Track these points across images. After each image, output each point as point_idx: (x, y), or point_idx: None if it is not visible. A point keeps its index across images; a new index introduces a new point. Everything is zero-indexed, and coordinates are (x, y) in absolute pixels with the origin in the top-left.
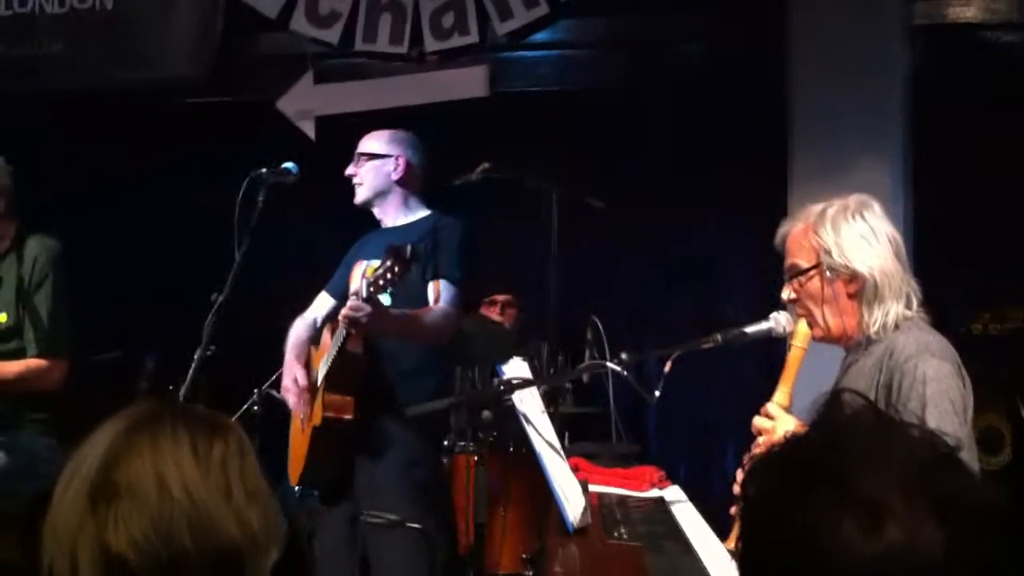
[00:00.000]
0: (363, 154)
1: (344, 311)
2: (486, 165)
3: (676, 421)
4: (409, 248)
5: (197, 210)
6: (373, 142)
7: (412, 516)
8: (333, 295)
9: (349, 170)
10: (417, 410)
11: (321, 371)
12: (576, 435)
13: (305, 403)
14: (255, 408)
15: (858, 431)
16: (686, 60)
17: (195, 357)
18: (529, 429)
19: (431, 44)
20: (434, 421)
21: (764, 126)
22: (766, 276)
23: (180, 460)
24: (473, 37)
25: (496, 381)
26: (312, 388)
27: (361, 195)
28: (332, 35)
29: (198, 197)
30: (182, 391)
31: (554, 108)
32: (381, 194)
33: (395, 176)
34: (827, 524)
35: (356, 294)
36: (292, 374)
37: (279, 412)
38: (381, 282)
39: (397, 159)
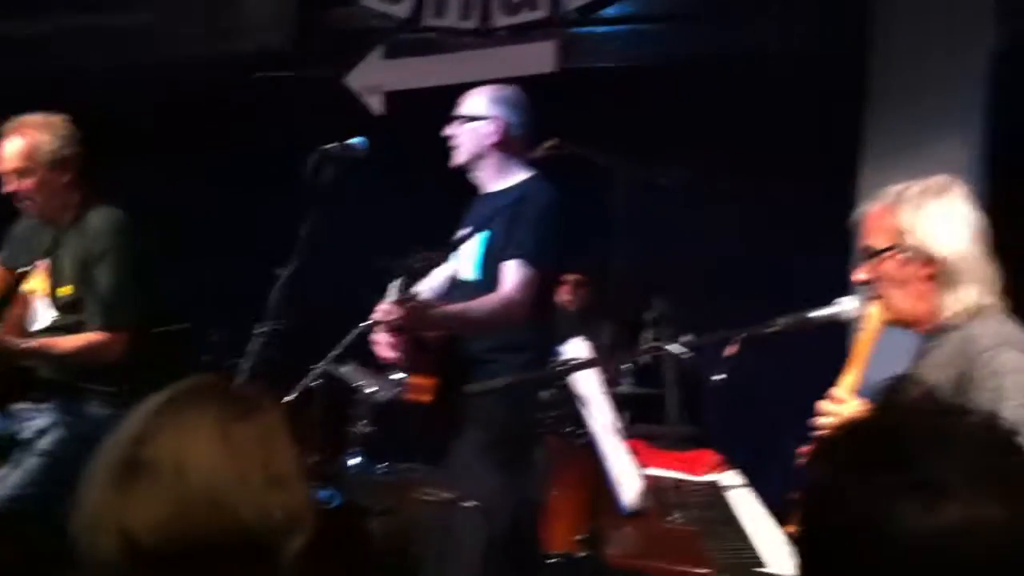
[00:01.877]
0: (462, 116)
1: (375, 315)
2: (554, 141)
3: (737, 406)
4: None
5: (269, 183)
6: (472, 102)
7: (495, 496)
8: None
9: (448, 130)
10: (475, 388)
11: None
12: (635, 417)
13: (397, 355)
14: (314, 383)
15: (919, 415)
16: (758, 35)
17: (259, 332)
18: (585, 411)
19: (500, 19)
20: (527, 397)
21: (839, 104)
22: (839, 259)
23: (205, 442)
24: (542, 12)
25: (555, 362)
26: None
27: (458, 158)
28: (402, 9)
29: (269, 170)
30: (246, 366)
31: (623, 83)
32: (478, 157)
33: (491, 140)
34: (888, 506)
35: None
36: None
37: (341, 387)
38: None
39: (495, 121)
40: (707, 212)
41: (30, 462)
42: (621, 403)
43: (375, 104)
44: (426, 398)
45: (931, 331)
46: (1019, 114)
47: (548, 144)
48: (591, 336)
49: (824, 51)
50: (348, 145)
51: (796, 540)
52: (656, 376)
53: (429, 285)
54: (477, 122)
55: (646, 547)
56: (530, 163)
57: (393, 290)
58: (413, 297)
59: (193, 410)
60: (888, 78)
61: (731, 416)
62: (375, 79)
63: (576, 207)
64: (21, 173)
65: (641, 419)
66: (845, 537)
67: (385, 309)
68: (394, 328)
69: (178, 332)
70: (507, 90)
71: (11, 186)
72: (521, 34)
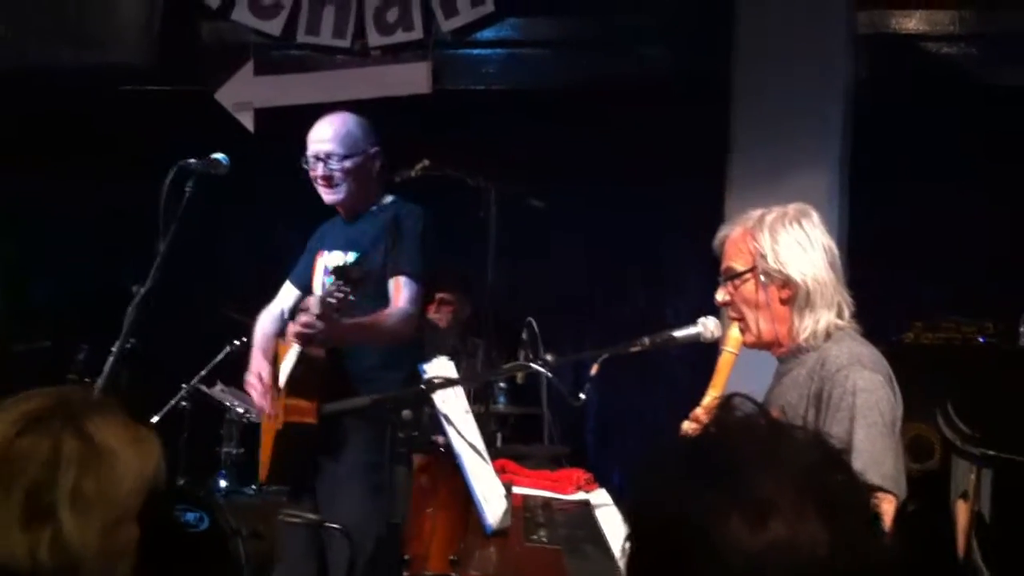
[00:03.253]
0: (343, 155)
1: (295, 327)
2: (426, 162)
3: (612, 425)
4: (357, 269)
5: (133, 198)
6: (349, 140)
7: (368, 517)
8: (298, 285)
9: (321, 172)
10: (333, 408)
11: (284, 372)
12: (511, 436)
13: (270, 401)
14: (183, 403)
15: (748, 433)
16: (631, 62)
17: (113, 350)
18: (450, 430)
19: (375, 39)
20: (390, 416)
21: (705, 130)
22: (705, 280)
23: None
24: (417, 33)
25: (419, 380)
26: (276, 386)
27: (338, 197)
28: (274, 26)
29: (135, 186)
30: (99, 384)
31: (498, 106)
32: (358, 190)
33: (375, 173)
34: (715, 522)
35: (306, 309)
36: (256, 370)
37: (210, 407)
38: (334, 303)
39: (375, 155)
40: (579, 233)
41: None
42: (496, 422)
43: (247, 121)
44: (309, 419)
45: (788, 353)
46: (877, 142)
47: (420, 165)
48: (465, 355)
49: (691, 80)
50: (210, 160)
51: (627, 557)
52: (533, 395)
53: (280, 306)
54: (355, 158)
55: (507, 567)
56: (400, 183)
57: (313, 304)
58: (341, 301)
59: None
60: (752, 108)
61: (603, 435)
62: (246, 95)
63: (449, 226)
64: None
65: (518, 438)
66: (674, 554)
67: (306, 321)
68: (305, 339)
69: (40, 349)
70: (357, 117)
71: None
72: (396, 54)
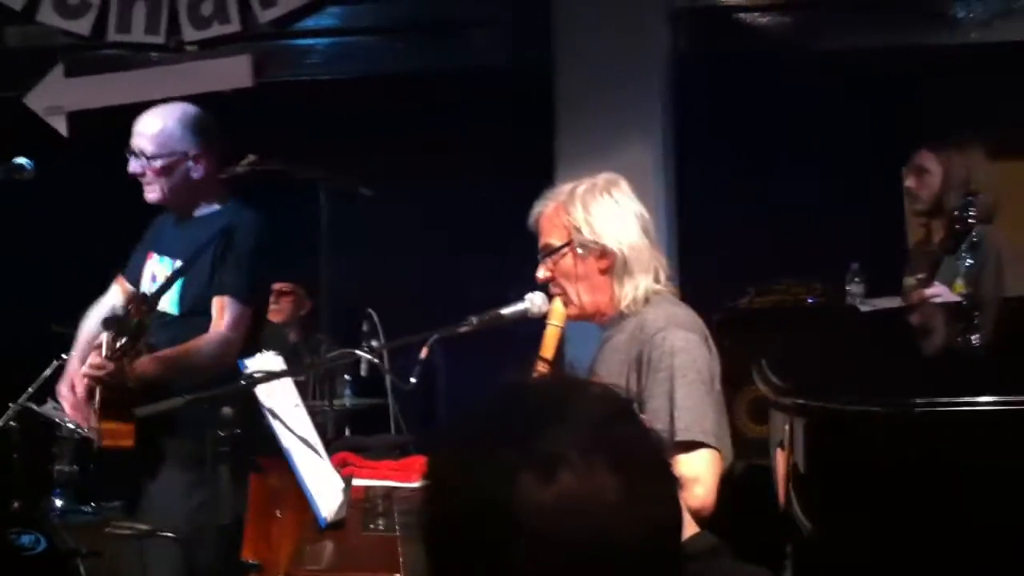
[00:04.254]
0: (152, 155)
1: (84, 370)
2: (252, 157)
3: (461, 407)
4: (145, 299)
5: None
6: (162, 138)
7: (198, 523)
8: (130, 281)
9: (134, 168)
10: (146, 410)
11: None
12: (361, 430)
13: (83, 417)
14: (12, 423)
15: (537, 392)
16: (456, 45)
17: None
18: (276, 424)
19: (190, 34)
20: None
21: (532, 112)
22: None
23: None
24: (235, 26)
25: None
26: (90, 401)
27: (155, 196)
28: (83, 26)
29: None
30: None
31: (324, 96)
32: (178, 192)
33: (196, 175)
34: (505, 481)
35: (99, 348)
36: (70, 381)
37: (41, 425)
38: (125, 347)
39: (195, 158)
40: (411, 220)
41: None
42: (343, 416)
43: (59, 125)
44: (127, 443)
45: (610, 321)
46: (697, 114)
47: (247, 160)
48: (308, 352)
49: (517, 63)
50: (13, 166)
51: (422, 531)
52: (377, 386)
53: (102, 307)
54: (172, 158)
55: (341, 558)
56: (227, 183)
57: (102, 341)
58: (126, 348)
59: None
60: (575, 86)
61: (443, 419)
62: (57, 99)
63: (281, 222)
64: None
65: (368, 431)
66: (469, 517)
67: (96, 363)
68: (98, 382)
69: None
70: (188, 112)
71: None
72: (214, 48)
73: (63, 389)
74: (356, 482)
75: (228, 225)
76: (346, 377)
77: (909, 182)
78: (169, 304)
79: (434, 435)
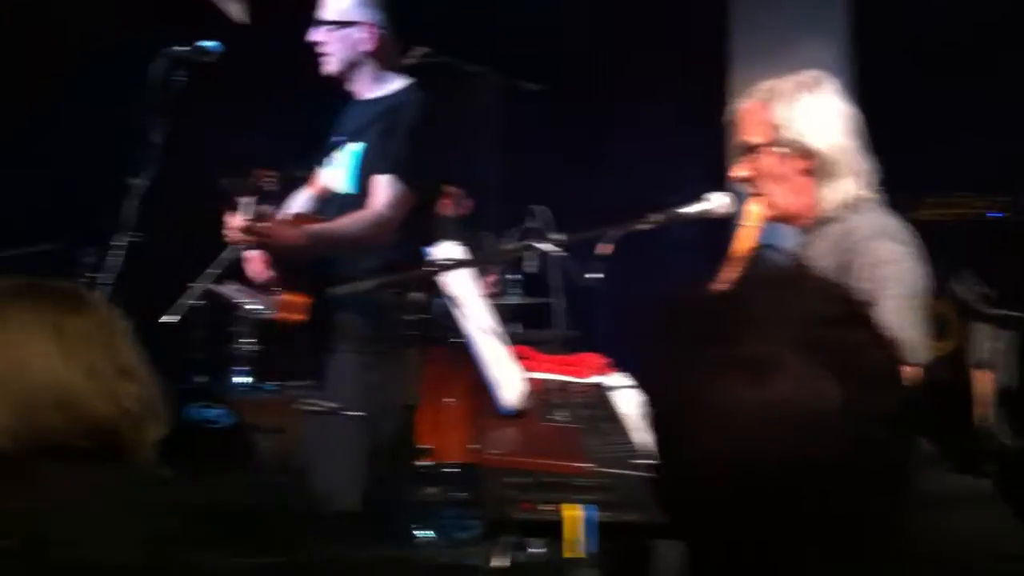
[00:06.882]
0: (330, 22)
1: (226, 236)
2: (425, 49)
3: (624, 309)
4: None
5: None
6: (338, 5)
7: (367, 403)
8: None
9: (314, 36)
10: (341, 291)
11: None
12: (525, 327)
13: (266, 289)
14: (199, 302)
15: (759, 287)
16: None
17: (117, 245)
18: (461, 312)
19: None
20: (397, 300)
21: (704, 3)
22: (713, 157)
23: (38, 339)
24: None
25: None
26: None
27: (329, 66)
28: None
29: (117, 76)
30: (102, 280)
31: None
32: (350, 65)
33: (364, 47)
34: (715, 381)
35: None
36: (258, 259)
37: (220, 306)
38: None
39: (367, 26)
40: (576, 115)
41: None
42: (510, 314)
43: (235, 11)
44: (298, 316)
45: (810, 225)
46: (879, 10)
47: (419, 52)
48: (472, 246)
49: None
50: (200, 48)
51: (650, 421)
52: (543, 285)
53: (298, 200)
54: (347, 27)
55: (526, 445)
56: (405, 71)
57: (245, 208)
58: (268, 214)
59: (16, 309)
60: None
61: (615, 318)
62: None
63: (448, 117)
64: None
65: (529, 328)
66: (678, 414)
67: (238, 228)
68: (251, 247)
69: (43, 252)
70: None
71: None
72: None
73: (254, 269)
74: (531, 375)
75: (397, 104)
76: (510, 277)
77: None
78: (345, 183)
79: (655, 324)
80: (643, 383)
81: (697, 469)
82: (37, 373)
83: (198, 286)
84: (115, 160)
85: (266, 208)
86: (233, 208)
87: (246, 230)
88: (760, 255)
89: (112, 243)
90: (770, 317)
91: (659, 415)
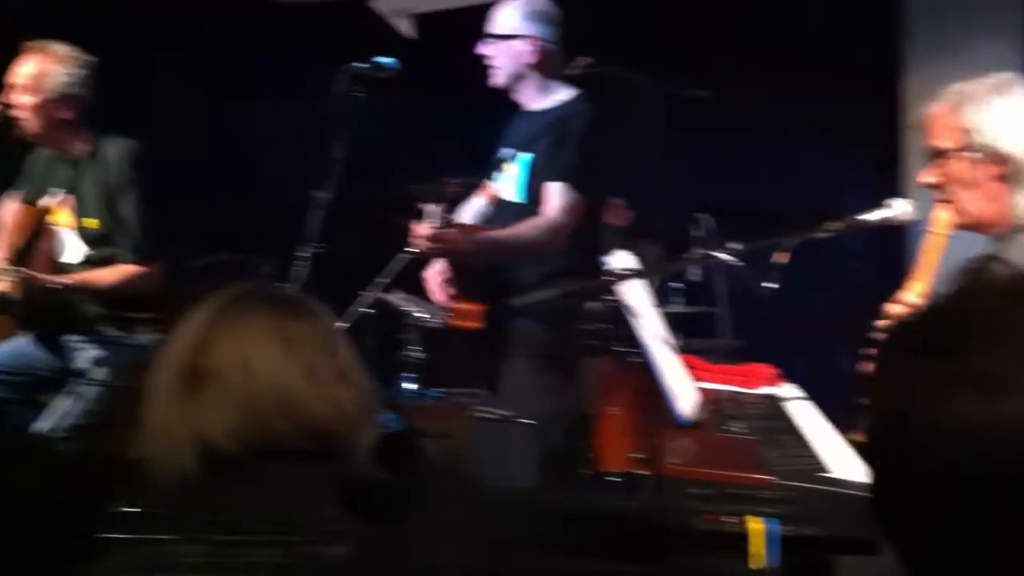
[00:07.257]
0: (496, 34)
1: (414, 243)
2: (589, 59)
3: (790, 321)
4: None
5: (300, 108)
6: (506, 18)
7: (541, 412)
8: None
9: (482, 49)
10: (524, 300)
11: None
12: (688, 336)
13: (442, 299)
14: (368, 310)
15: (987, 300)
16: None
17: (302, 256)
18: (635, 323)
19: None
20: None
21: (879, 6)
22: (888, 163)
23: (265, 343)
24: None
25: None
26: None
27: (497, 79)
28: None
29: (301, 94)
30: (293, 291)
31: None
32: (517, 77)
33: (529, 59)
34: (944, 397)
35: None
36: (435, 270)
37: (389, 314)
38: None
39: (531, 39)
40: (744, 122)
41: (88, 391)
42: (672, 322)
43: (404, 27)
44: (473, 324)
45: (1004, 233)
46: None
47: (584, 63)
48: (639, 255)
49: None
50: (378, 64)
51: (866, 431)
52: (707, 294)
53: (469, 210)
54: (513, 40)
55: (705, 456)
56: (569, 81)
57: (431, 216)
58: (453, 223)
59: (247, 314)
60: None
61: (784, 328)
62: (402, 2)
63: (614, 126)
64: (24, 94)
65: (691, 337)
66: (901, 427)
67: (425, 236)
68: (435, 255)
69: (225, 262)
70: (540, 4)
71: (10, 102)
72: None
73: (433, 283)
74: (702, 384)
75: (565, 114)
76: (674, 285)
77: None
78: (515, 192)
79: (886, 334)
80: (868, 396)
81: (923, 484)
82: (263, 376)
83: (368, 294)
84: (295, 173)
85: (452, 216)
86: (419, 216)
87: (433, 238)
88: (981, 265)
89: (297, 253)
90: (1001, 329)
91: (884, 428)
